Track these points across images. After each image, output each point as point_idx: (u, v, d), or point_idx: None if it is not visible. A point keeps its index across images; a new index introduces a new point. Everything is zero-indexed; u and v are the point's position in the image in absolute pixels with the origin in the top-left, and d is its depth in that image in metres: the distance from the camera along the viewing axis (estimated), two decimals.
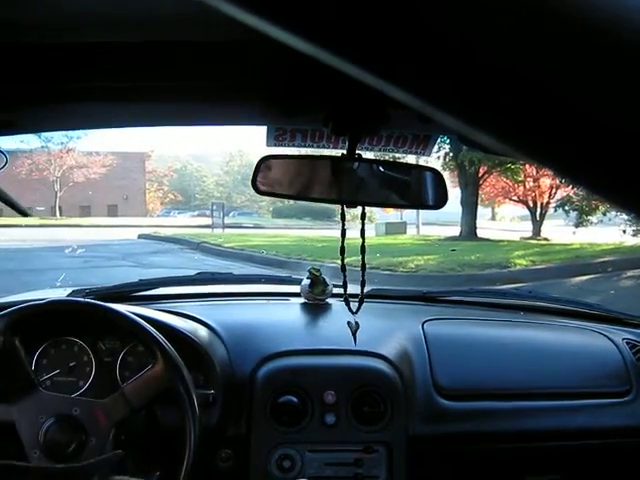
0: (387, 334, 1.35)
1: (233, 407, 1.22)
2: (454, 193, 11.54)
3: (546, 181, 13.16)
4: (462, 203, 12.28)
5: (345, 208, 0.96)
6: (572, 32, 0.17)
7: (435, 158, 11.62)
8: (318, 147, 0.99)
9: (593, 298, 4.76)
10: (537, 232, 13.35)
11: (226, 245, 10.47)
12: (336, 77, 0.56)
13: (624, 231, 10.15)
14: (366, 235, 1.01)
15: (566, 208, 12.05)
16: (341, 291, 1.08)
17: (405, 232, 14.49)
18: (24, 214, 1.07)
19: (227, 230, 15.79)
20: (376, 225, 15.05)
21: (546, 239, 12.61)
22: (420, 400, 1.25)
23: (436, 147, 1.07)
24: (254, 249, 9.67)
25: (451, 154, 11.73)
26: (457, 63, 0.18)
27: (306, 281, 1.51)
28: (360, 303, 1.06)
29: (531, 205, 13.94)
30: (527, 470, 1.32)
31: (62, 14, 0.59)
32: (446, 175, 11.44)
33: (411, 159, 1.29)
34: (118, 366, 1.26)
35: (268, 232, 15.91)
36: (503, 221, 25.84)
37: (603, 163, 0.19)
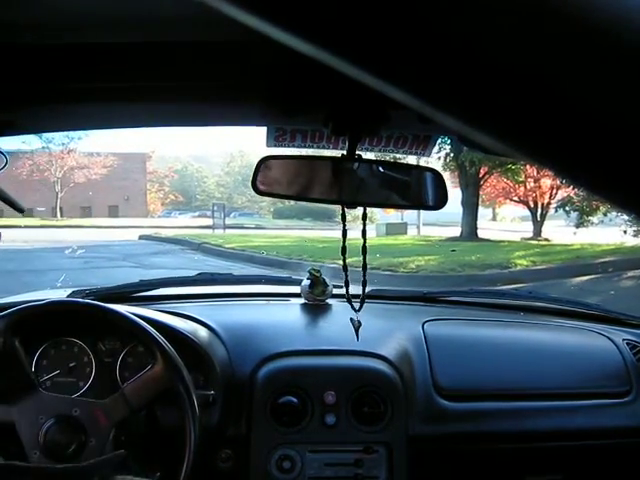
0: (387, 334, 1.35)
1: (233, 407, 1.22)
2: (454, 194, 11.54)
3: (547, 182, 13.15)
4: (463, 204, 12.28)
5: (346, 209, 0.96)
6: (572, 32, 0.17)
7: (436, 159, 11.64)
8: (318, 147, 0.99)
9: (593, 298, 4.76)
10: (538, 232, 13.34)
11: (227, 246, 10.48)
12: (336, 77, 0.56)
13: (625, 232, 10.14)
14: (367, 235, 1.01)
15: (567, 209, 12.05)
16: (341, 292, 1.09)
17: (406, 233, 14.48)
18: (20, 211, 1.08)
19: (228, 231, 15.80)
20: (377, 226, 15.04)
21: (547, 239, 12.61)
22: (420, 400, 1.25)
23: (436, 148, 1.07)
24: (255, 250, 9.68)
25: (452, 155, 11.72)
26: (457, 63, 0.18)
27: (306, 282, 1.51)
28: (362, 302, 1.07)
29: (532, 206, 13.93)
30: (527, 470, 1.32)
31: (62, 14, 0.60)
32: (447, 176, 11.43)
33: (411, 160, 1.29)
34: (118, 367, 1.26)
35: (269, 233, 15.92)
36: (504, 222, 25.81)
37: (603, 163, 0.19)
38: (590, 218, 11.89)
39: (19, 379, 1.10)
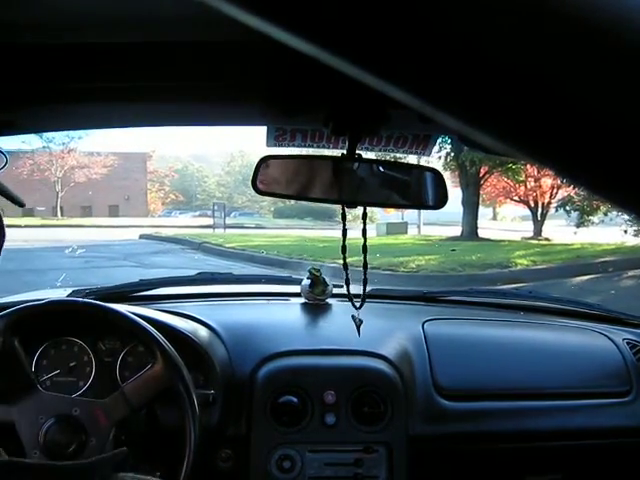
0: (387, 334, 1.35)
1: (233, 407, 1.22)
2: (455, 193, 11.54)
3: (547, 181, 13.16)
4: (463, 203, 12.28)
5: (346, 208, 0.96)
6: (573, 32, 0.17)
7: (436, 158, 11.65)
8: (318, 147, 0.99)
9: (594, 298, 4.76)
10: (538, 232, 13.34)
11: (227, 245, 10.49)
12: (336, 77, 0.56)
13: (625, 231, 10.14)
14: (367, 235, 1.01)
15: (567, 208, 12.04)
16: (341, 291, 1.09)
17: (406, 232, 14.49)
18: (21, 205, 1.08)
19: (228, 230, 15.81)
20: (377, 225, 15.05)
21: (547, 239, 12.61)
22: (420, 400, 1.25)
23: (437, 147, 1.07)
24: (255, 249, 9.68)
25: (452, 154, 11.73)
26: (458, 63, 0.18)
27: (306, 281, 1.51)
28: (363, 300, 1.07)
29: (532, 205, 13.93)
30: (527, 470, 1.32)
31: (62, 14, 0.60)
32: (447, 175, 11.45)
33: (412, 159, 1.29)
34: (118, 366, 1.26)
35: (269, 232, 15.92)
36: (504, 221, 25.83)
37: (604, 163, 0.19)
38: (591, 218, 11.89)
39: (19, 379, 1.10)
